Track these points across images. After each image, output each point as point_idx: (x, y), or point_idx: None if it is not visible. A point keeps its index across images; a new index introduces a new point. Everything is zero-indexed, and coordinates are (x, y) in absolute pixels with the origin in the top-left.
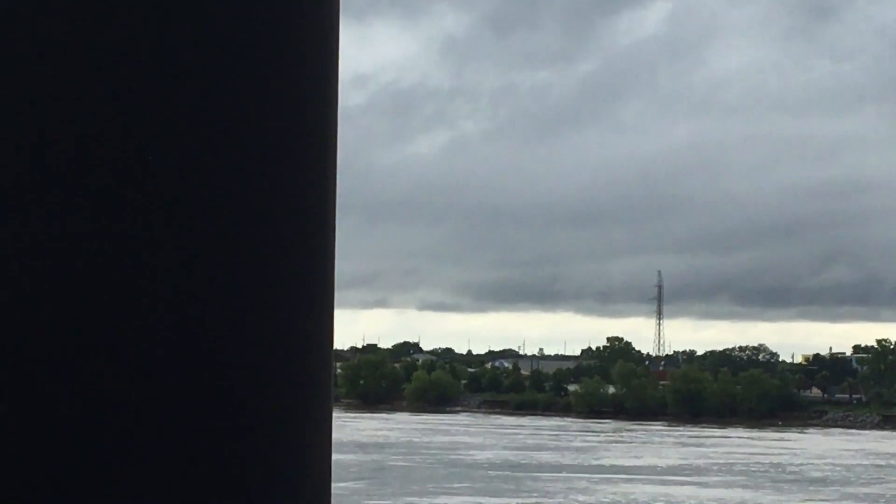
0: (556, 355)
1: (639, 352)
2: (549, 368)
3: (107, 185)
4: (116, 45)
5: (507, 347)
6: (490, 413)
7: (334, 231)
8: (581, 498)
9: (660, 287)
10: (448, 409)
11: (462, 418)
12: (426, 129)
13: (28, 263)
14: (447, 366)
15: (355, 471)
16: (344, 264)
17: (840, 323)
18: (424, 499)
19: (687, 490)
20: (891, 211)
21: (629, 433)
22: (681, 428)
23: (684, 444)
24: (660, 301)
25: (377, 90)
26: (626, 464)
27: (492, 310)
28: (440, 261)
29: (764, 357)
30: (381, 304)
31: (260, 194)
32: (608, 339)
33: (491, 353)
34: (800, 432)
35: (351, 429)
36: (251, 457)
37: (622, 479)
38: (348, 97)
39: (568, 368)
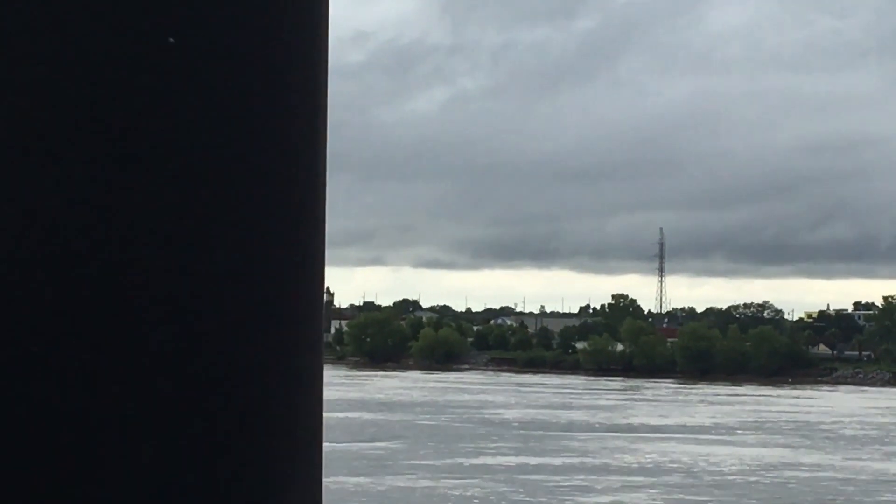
0: (552, 312)
1: (641, 309)
2: (550, 326)
3: (90, 154)
4: (98, 23)
5: (504, 305)
6: (498, 371)
7: (324, 192)
8: (625, 458)
9: (661, 244)
10: (455, 366)
11: (476, 376)
12: (426, 86)
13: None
14: (453, 323)
15: (389, 430)
16: (341, 222)
17: (835, 279)
18: (466, 459)
19: (725, 450)
20: (890, 167)
21: (652, 391)
22: (701, 385)
23: (710, 403)
24: (661, 258)
25: (377, 47)
26: (657, 423)
27: (486, 267)
28: (437, 218)
29: (769, 314)
30: (376, 261)
31: (249, 155)
32: (613, 296)
33: (489, 310)
34: (813, 389)
35: (371, 388)
36: (242, 415)
37: (658, 438)
38: (348, 54)
39: (573, 326)
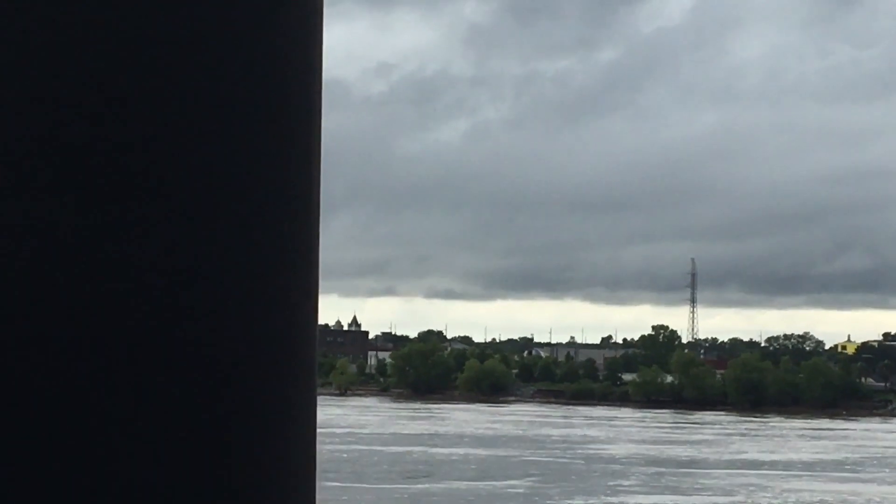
0: (571, 343)
1: (680, 339)
2: (575, 356)
3: (87, 169)
4: (95, 35)
5: (522, 336)
6: (545, 402)
7: (318, 220)
8: (774, 497)
9: (693, 275)
10: (501, 398)
11: (538, 408)
12: (448, 117)
13: (18, 263)
14: (497, 355)
15: (509, 468)
16: (357, 252)
17: (848, 311)
18: (613, 498)
19: (871, 488)
20: None
21: (745, 426)
22: (774, 417)
23: (807, 438)
24: (693, 289)
25: (400, 78)
26: (771, 458)
27: (499, 297)
28: (453, 248)
29: (809, 346)
30: (388, 292)
31: (243, 181)
32: (653, 327)
33: (511, 341)
34: (875, 421)
35: (451, 421)
36: (235, 444)
37: (788, 475)
38: (372, 85)
39: (616, 357)
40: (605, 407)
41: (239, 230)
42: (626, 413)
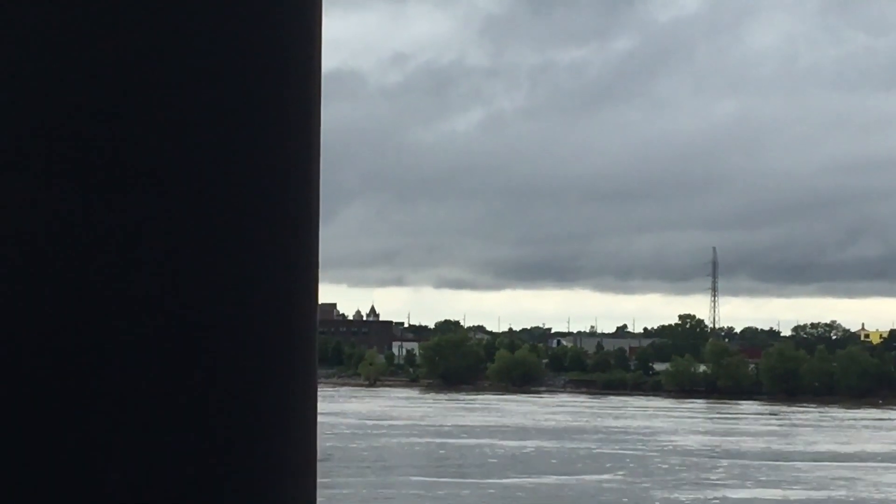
0: (592, 332)
1: (705, 328)
2: (588, 346)
3: (82, 165)
4: (90, 28)
5: (534, 325)
6: (577, 392)
7: (318, 210)
8: (879, 492)
9: (714, 264)
10: (532, 388)
11: (577, 399)
12: (463, 107)
13: (20, 263)
14: (526, 344)
15: (588, 461)
16: (367, 242)
17: (859, 299)
18: (711, 492)
19: None
20: None
21: (799, 416)
22: (813, 406)
23: (871, 428)
24: (714, 278)
25: (415, 68)
26: (846, 450)
27: (508, 287)
28: (464, 238)
29: (835, 334)
30: (398, 282)
31: (241, 175)
32: (680, 316)
33: (525, 330)
34: None
35: (509, 413)
36: (235, 439)
37: (879, 468)
38: (387, 75)
39: (645, 346)
40: (640, 397)
41: (237, 224)
42: (666, 403)
